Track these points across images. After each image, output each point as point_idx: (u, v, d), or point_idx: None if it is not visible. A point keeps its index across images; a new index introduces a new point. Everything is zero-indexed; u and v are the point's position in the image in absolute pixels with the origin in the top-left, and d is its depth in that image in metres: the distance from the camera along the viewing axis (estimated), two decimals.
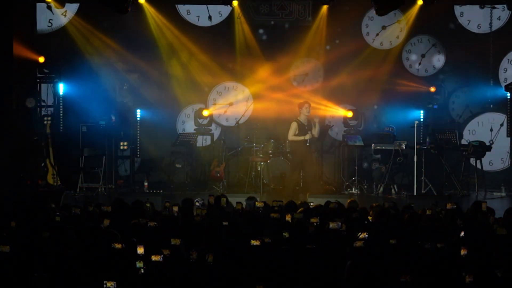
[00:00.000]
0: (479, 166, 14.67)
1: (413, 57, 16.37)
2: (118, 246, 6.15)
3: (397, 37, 16.19)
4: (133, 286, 5.73)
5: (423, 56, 16.30)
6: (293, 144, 13.80)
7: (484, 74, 16.08)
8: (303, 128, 13.52)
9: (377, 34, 16.17)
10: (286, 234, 7.10)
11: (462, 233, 7.29)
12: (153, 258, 5.91)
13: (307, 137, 13.41)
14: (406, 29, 15.93)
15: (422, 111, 15.47)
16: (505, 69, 16.12)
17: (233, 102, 16.32)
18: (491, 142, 15.40)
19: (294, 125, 13.58)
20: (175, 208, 8.70)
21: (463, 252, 6.21)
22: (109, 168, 14.84)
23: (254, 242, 6.47)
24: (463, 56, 15.97)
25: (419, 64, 16.33)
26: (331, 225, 7.34)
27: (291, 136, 13.65)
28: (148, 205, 9.09)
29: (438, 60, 16.28)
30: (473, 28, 16.11)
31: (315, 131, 13.61)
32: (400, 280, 5.53)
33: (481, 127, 15.98)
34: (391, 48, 16.25)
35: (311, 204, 9.80)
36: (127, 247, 6.35)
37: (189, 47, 15.88)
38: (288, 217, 7.97)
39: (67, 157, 15.43)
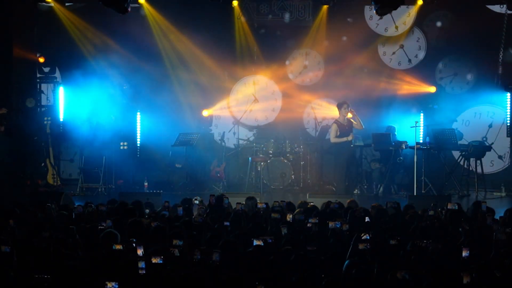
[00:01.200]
0: (479, 166, 14.65)
1: (389, 48, 16.10)
2: (118, 247, 6.14)
3: (404, 23, 15.88)
4: (134, 287, 5.73)
5: (401, 46, 16.06)
6: (337, 146, 13.53)
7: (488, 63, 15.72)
8: (343, 129, 13.30)
9: (381, 18, 15.52)
10: (284, 230, 7.12)
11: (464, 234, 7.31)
12: (153, 260, 5.91)
13: (350, 138, 13.24)
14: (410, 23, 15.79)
15: (422, 111, 15.47)
16: None
17: (258, 98, 16.26)
18: (484, 138, 15.27)
19: (334, 127, 13.36)
20: (180, 208, 8.71)
21: (464, 253, 6.16)
22: (109, 168, 14.84)
23: (257, 242, 6.48)
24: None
25: (393, 53, 16.08)
26: (331, 224, 7.35)
27: (333, 138, 13.38)
28: (147, 210, 9.08)
29: (415, 56, 16.07)
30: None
31: (359, 125, 13.41)
32: (396, 277, 5.53)
33: (478, 119, 15.78)
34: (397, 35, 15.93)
35: (311, 203, 9.80)
36: (127, 247, 6.36)
37: (189, 46, 15.87)
38: (289, 217, 7.98)
39: (67, 157, 15.46)
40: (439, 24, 15.91)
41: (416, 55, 16.11)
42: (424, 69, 16.00)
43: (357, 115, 13.49)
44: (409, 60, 16.12)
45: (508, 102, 15.28)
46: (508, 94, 15.26)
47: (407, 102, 15.78)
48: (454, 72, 15.97)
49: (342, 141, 13.26)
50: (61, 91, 15.50)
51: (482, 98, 15.70)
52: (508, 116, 15.22)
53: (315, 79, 16.34)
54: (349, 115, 13.48)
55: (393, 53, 16.10)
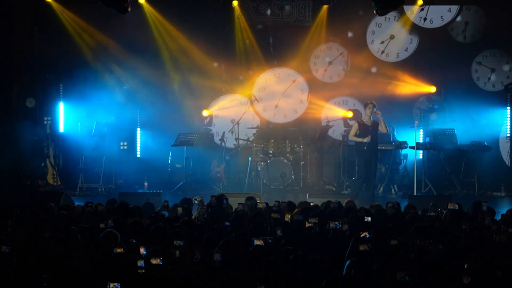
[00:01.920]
0: (479, 166, 14.65)
1: (377, 41, 15.81)
2: (119, 250, 6.11)
3: (449, 9, 15.37)
4: (135, 287, 5.72)
5: (392, 37, 15.73)
6: (357, 146, 13.17)
7: None
8: (365, 129, 12.85)
9: (422, 9, 15.03)
10: (279, 232, 7.11)
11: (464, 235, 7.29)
12: (153, 261, 5.90)
13: (366, 140, 12.71)
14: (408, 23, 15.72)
15: (422, 111, 15.46)
16: None
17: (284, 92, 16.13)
18: None
19: (355, 125, 13.05)
20: (179, 208, 8.70)
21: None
22: (109, 168, 14.83)
23: (257, 242, 6.47)
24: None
25: (381, 43, 15.70)
26: (331, 225, 7.35)
27: (351, 136, 13.10)
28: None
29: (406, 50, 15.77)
30: None
31: (383, 127, 12.95)
32: (396, 278, 5.53)
33: None
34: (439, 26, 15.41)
35: (312, 203, 9.79)
36: (127, 247, 6.35)
37: (189, 46, 15.88)
38: (287, 217, 7.97)
39: (67, 157, 15.47)
40: (460, 19, 15.54)
41: (407, 48, 15.78)
42: (425, 66, 15.65)
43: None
44: (397, 54, 15.82)
45: (508, 110, 15.23)
46: (508, 95, 15.25)
47: (407, 102, 15.78)
48: (492, 67, 15.55)
49: (358, 141, 12.89)
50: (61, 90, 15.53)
51: None
52: (508, 116, 15.20)
53: (342, 73, 16.15)
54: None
55: (382, 42, 15.85)
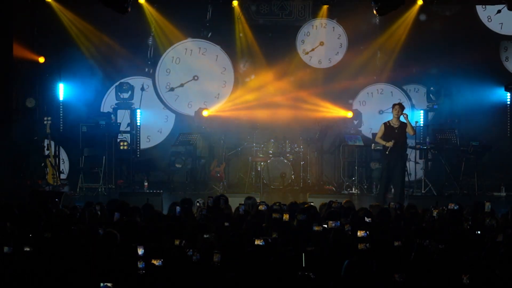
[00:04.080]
0: (479, 166, 14.65)
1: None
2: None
3: None
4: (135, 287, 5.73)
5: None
6: (381, 150, 12.84)
7: None
8: (391, 131, 12.25)
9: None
10: (274, 234, 7.11)
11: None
12: (153, 261, 5.89)
13: (388, 144, 12.13)
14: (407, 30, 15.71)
15: (422, 111, 15.47)
16: None
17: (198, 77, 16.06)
18: None
19: (381, 127, 12.47)
20: (179, 208, 8.71)
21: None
22: (109, 168, 14.83)
23: (257, 242, 6.47)
24: None
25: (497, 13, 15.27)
26: (331, 224, 7.34)
27: (377, 138, 12.61)
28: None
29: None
30: None
31: (410, 129, 12.30)
32: (393, 279, 5.53)
33: None
34: None
35: (310, 203, 9.79)
36: (126, 247, 6.36)
37: (188, 46, 15.88)
38: (286, 217, 7.97)
39: (67, 157, 15.47)
40: None
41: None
42: None
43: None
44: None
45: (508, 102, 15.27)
46: (508, 94, 15.26)
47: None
48: None
49: (381, 144, 12.49)
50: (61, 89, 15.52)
51: None
52: (508, 116, 15.21)
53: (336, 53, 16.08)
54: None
55: (498, 11, 15.22)
